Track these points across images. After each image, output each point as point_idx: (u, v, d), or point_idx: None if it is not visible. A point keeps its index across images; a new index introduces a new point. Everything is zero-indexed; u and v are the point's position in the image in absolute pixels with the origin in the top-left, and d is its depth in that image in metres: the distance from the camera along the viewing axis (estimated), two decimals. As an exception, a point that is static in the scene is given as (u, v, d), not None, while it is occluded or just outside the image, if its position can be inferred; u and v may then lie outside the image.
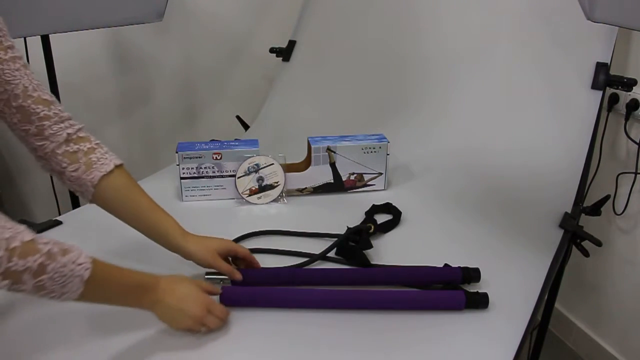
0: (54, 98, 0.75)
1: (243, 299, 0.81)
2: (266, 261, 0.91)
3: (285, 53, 1.83)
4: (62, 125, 0.75)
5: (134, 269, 0.70)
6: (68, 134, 0.76)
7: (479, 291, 0.82)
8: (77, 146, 0.77)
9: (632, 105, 1.37)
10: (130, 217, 0.82)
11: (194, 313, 0.72)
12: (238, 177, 1.16)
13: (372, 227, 1.02)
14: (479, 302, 0.80)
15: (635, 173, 1.40)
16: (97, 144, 0.80)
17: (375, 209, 1.13)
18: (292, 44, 1.83)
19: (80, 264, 0.61)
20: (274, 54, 1.89)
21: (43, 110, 0.73)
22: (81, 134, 0.78)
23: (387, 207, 1.13)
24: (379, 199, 1.16)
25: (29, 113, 0.72)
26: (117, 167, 0.80)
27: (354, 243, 0.96)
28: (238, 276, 0.83)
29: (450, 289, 0.83)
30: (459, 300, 0.80)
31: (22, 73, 0.71)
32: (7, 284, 0.56)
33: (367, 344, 0.74)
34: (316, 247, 0.97)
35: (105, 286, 0.66)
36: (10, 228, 0.57)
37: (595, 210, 1.15)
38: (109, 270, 0.66)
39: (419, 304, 0.81)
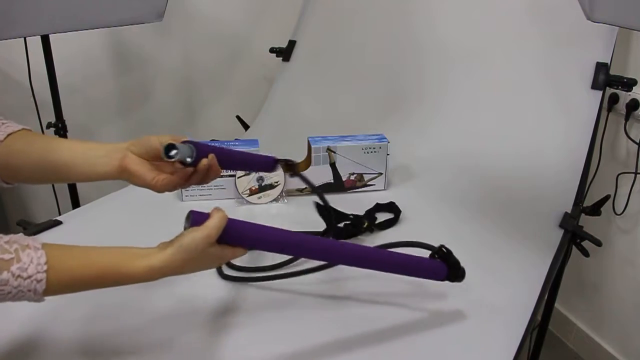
0: None
1: (239, 236, 0.65)
2: (267, 255, 0.92)
3: (285, 53, 1.83)
4: None
5: (123, 247, 0.60)
6: None
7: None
8: None
9: (632, 105, 1.37)
10: (47, 160, 0.68)
11: (209, 268, 0.63)
12: (238, 177, 1.16)
13: (366, 222, 1.02)
14: (458, 275, 0.77)
15: (635, 173, 1.40)
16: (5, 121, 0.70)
17: (377, 208, 1.13)
18: (292, 44, 1.83)
19: (28, 277, 0.51)
20: (274, 54, 1.89)
21: None
22: None
23: (390, 206, 1.13)
24: (379, 199, 1.16)
25: None
26: (27, 130, 0.70)
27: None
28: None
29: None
30: (441, 270, 0.77)
31: None
32: None
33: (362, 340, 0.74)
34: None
35: (78, 286, 0.56)
36: None
37: (595, 210, 1.15)
38: (77, 273, 0.55)
39: (401, 267, 0.75)
